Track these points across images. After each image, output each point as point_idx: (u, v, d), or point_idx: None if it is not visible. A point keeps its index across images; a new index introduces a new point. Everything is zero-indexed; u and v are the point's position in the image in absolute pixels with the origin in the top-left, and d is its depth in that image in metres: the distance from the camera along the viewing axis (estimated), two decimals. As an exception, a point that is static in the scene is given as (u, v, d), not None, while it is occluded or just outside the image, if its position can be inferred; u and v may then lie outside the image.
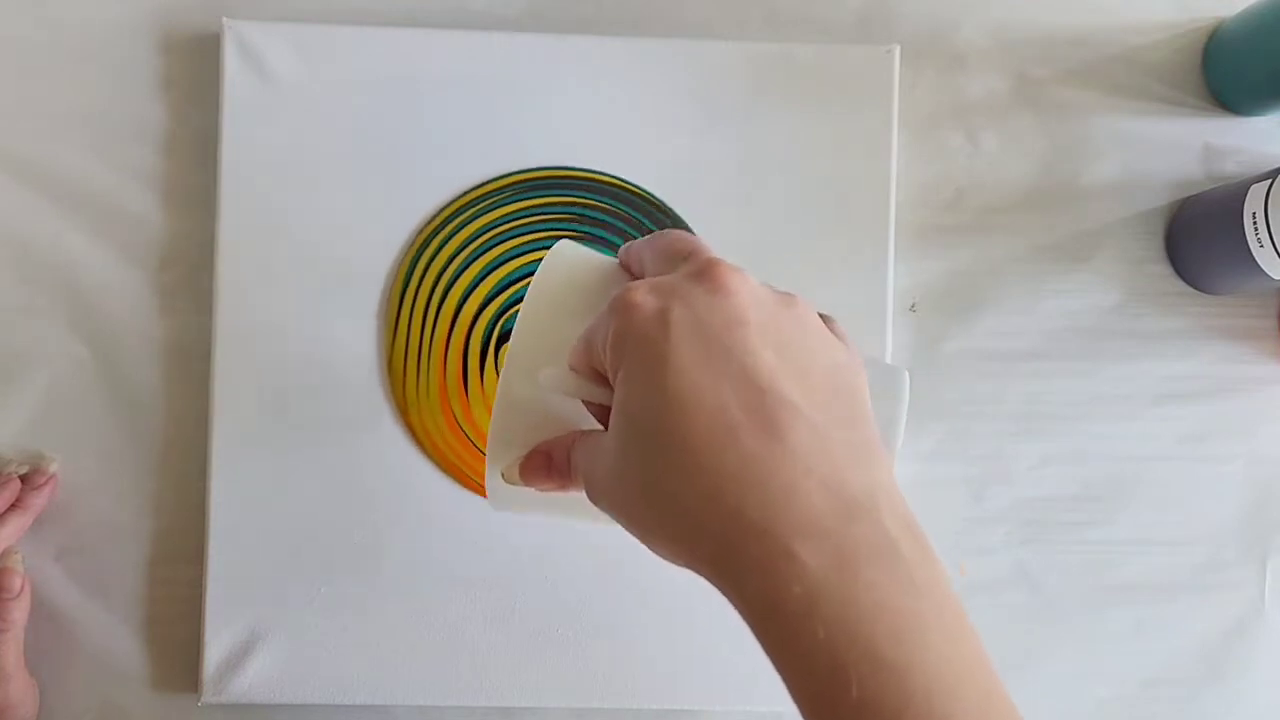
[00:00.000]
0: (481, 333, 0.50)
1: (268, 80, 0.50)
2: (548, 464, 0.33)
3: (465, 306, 0.50)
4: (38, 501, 0.48)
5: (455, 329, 0.50)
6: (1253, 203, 0.46)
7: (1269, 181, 0.46)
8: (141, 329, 0.50)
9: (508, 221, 0.50)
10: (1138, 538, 0.52)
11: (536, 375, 0.32)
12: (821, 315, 0.32)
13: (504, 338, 0.50)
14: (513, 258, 0.50)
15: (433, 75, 0.50)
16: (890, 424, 0.34)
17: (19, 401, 0.50)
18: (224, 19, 0.50)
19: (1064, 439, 0.52)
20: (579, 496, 0.31)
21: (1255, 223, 0.46)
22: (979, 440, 0.52)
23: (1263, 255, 0.46)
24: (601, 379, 0.31)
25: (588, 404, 0.33)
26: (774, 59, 0.51)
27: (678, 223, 0.51)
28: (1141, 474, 0.52)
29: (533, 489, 0.33)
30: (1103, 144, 0.53)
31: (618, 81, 0.51)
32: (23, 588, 0.47)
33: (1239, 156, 0.53)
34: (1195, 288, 0.53)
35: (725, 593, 0.28)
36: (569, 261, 0.35)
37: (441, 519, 0.50)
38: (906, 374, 0.35)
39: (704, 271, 0.29)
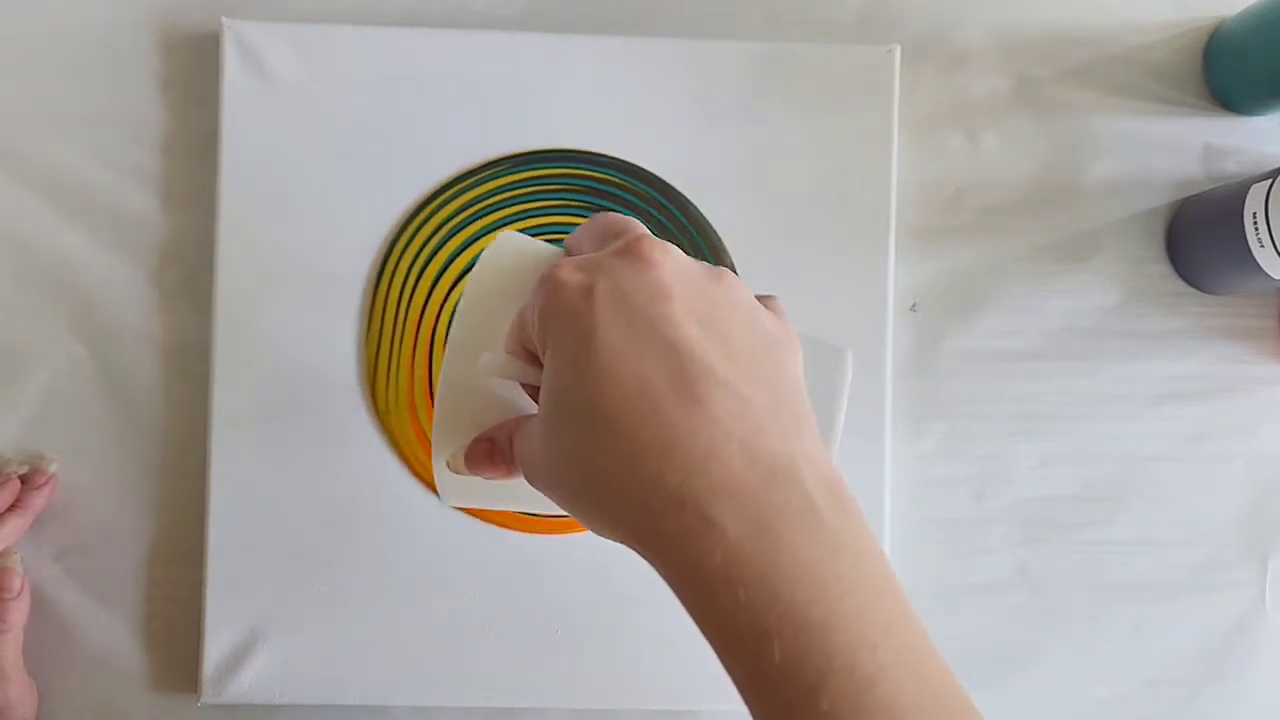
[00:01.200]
0: (446, 324, 0.50)
1: (268, 80, 0.50)
2: (490, 451, 0.33)
3: (434, 295, 0.50)
4: (37, 502, 0.48)
5: (423, 321, 0.50)
6: (1253, 203, 0.46)
7: (1269, 181, 0.46)
8: (141, 329, 0.50)
9: (485, 200, 0.50)
10: (1138, 538, 0.52)
11: (477, 361, 0.32)
12: (761, 296, 0.32)
13: None
14: (482, 237, 0.50)
15: (433, 75, 0.50)
16: (831, 402, 0.33)
17: (19, 401, 0.50)
18: (224, 19, 0.50)
19: (1064, 439, 0.52)
20: (526, 484, 0.31)
21: (1255, 223, 0.46)
22: (979, 440, 0.52)
23: (1263, 255, 0.46)
24: (535, 360, 0.31)
25: (527, 387, 0.33)
26: (774, 59, 0.51)
27: (679, 199, 0.50)
28: (1141, 474, 0.52)
29: (479, 478, 0.33)
30: (1103, 144, 0.53)
31: (618, 81, 0.51)
32: (22, 588, 0.47)
33: (1239, 156, 0.53)
34: (1195, 288, 0.53)
35: (652, 563, 0.28)
36: (514, 249, 0.35)
37: (440, 520, 0.50)
38: (848, 353, 0.35)
39: (630, 248, 0.29)
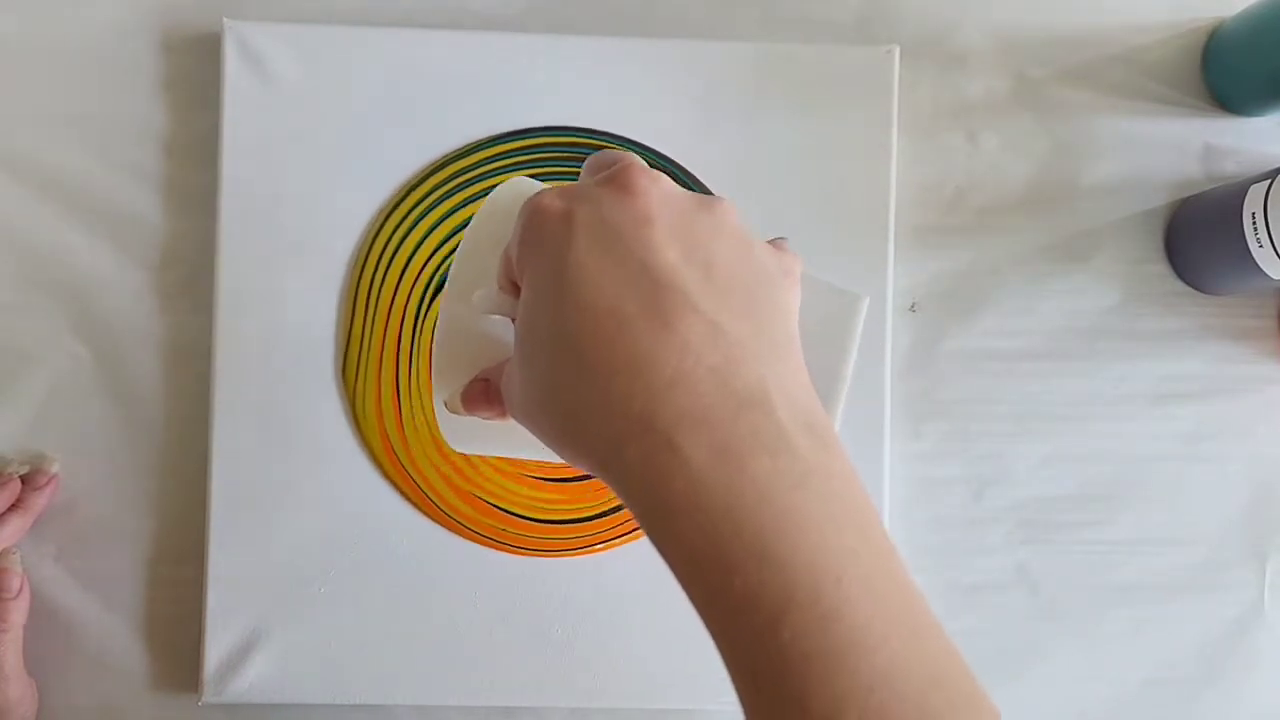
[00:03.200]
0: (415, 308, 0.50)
1: (268, 80, 0.50)
2: (485, 390, 0.32)
3: (407, 273, 0.50)
4: (38, 502, 0.48)
5: (404, 320, 0.50)
6: (1252, 203, 0.46)
7: (1268, 181, 0.46)
8: (141, 329, 0.50)
9: (471, 170, 0.50)
10: (1138, 538, 0.52)
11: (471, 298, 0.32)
12: (775, 240, 0.31)
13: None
14: (464, 206, 0.50)
15: (433, 75, 0.50)
16: (838, 348, 0.33)
17: (19, 401, 0.50)
18: (224, 19, 0.50)
19: (1064, 439, 0.52)
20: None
21: (1255, 223, 0.46)
22: (979, 440, 0.52)
23: (1262, 255, 0.46)
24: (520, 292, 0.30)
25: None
26: (774, 59, 0.51)
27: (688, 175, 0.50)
28: (1141, 474, 0.52)
29: (477, 418, 0.33)
30: (1102, 144, 0.53)
31: (618, 82, 0.51)
32: (21, 588, 0.47)
33: (1239, 156, 0.53)
34: (1195, 288, 0.53)
35: (617, 490, 0.27)
36: (516, 191, 0.34)
37: (440, 520, 0.50)
38: (864, 299, 0.34)
39: (615, 176, 0.29)
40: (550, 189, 0.29)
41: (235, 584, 0.49)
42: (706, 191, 0.50)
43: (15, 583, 0.46)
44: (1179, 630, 0.52)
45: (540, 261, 0.28)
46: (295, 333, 0.50)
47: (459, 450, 0.37)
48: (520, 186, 0.35)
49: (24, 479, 0.49)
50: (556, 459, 0.30)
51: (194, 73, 0.51)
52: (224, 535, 0.49)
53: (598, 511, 0.50)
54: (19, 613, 0.47)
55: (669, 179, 0.29)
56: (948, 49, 0.53)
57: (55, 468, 0.49)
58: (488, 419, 0.33)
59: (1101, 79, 0.53)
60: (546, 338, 0.28)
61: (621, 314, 0.26)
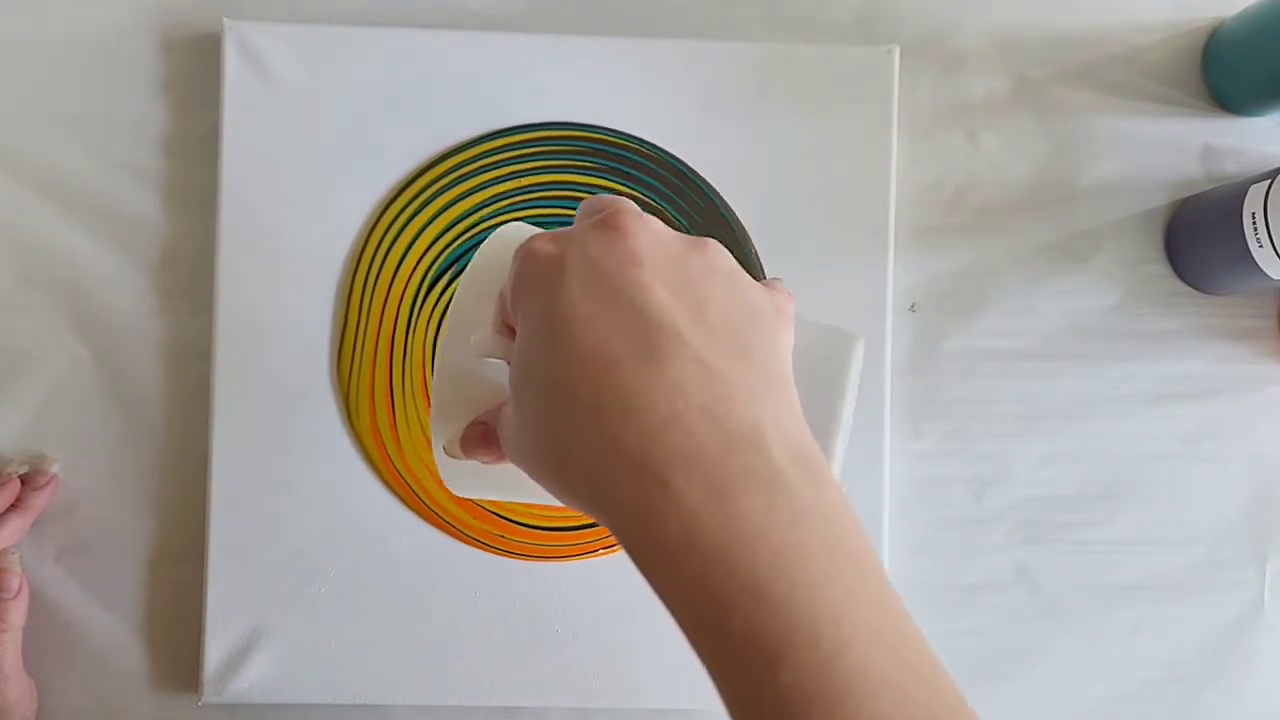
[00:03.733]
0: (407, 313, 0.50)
1: (268, 80, 0.50)
2: (485, 434, 0.32)
3: (401, 270, 0.50)
4: (38, 502, 0.48)
5: (398, 320, 0.50)
6: (1252, 203, 0.46)
7: (1269, 181, 0.46)
8: (141, 329, 0.50)
9: (465, 165, 0.50)
10: (1138, 538, 0.52)
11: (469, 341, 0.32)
12: (769, 280, 0.31)
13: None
14: (458, 202, 0.50)
15: (433, 75, 0.50)
16: (834, 389, 0.32)
17: (19, 401, 0.50)
18: (224, 19, 0.50)
19: (1064, 439, 0.52)
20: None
21: (1255, 223, 0.46)
22: (979, 440, 0.52)
23: (1262, 255, 0.46)
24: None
25: None
26: (774, 59, 0.51)
27: (693, 177, 0.50)
28: (1141, 474, 0.52)
29: (476, 462, 0.33)
30: (1102, 144, 0.53)
31: (618, 82, 0.51)
32: (20, 588, 0.47)
33: (1239, 156, 0.53)
34: (1195, 288, 0.53)
35: (612, 531, 0.27)
36: (511, 236, 0.35)
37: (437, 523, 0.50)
38: (858, 340, 0.33)
39: (606, 219, 0.29)
40: (543, 234, 0.30)
41: (235, 584, 0.49)
42: (707, 193, 0.50)
43: (14, 583, 0.46)
44: (1179, 630, 0.52)
45: (533, 304, 0.28)
46: (295, 333, 0.50)
47: (459, 494, 0.37)
48: (515, 231, 0.35)
49: (24, 479, 0.49)
50: (556, 502, 0.30)
51: (194, 73, 0.51)
52: (224, 535, 0.49)
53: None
54: (18, 613, 0.47)
55: (659, 221, 0.30)
56: (948, 49, 0.53)
57: (55, 468, 0.49)
58: (487, 463, 0.33)
59: (1101, 79, 0.53)
60: (540, 379, 0.28)
61: (613, 353, 0.27)
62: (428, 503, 0.49)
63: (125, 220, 0.50)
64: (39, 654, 0.48)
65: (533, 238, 0.30)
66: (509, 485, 0.34)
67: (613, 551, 0.50)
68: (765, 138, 0.51)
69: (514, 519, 0.49)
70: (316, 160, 0.50)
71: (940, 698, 0.25)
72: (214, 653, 0.48)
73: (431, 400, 0.34)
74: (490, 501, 0.49)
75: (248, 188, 0.50)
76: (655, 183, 0.50)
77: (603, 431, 0.26)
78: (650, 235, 0.29)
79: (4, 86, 0.50)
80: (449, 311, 0.33)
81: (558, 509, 0.49)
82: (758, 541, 0.25)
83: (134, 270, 0.50)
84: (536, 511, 0.49)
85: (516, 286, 0.29)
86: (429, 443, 0.49)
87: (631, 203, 0.30)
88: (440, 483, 0.49)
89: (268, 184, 0.50)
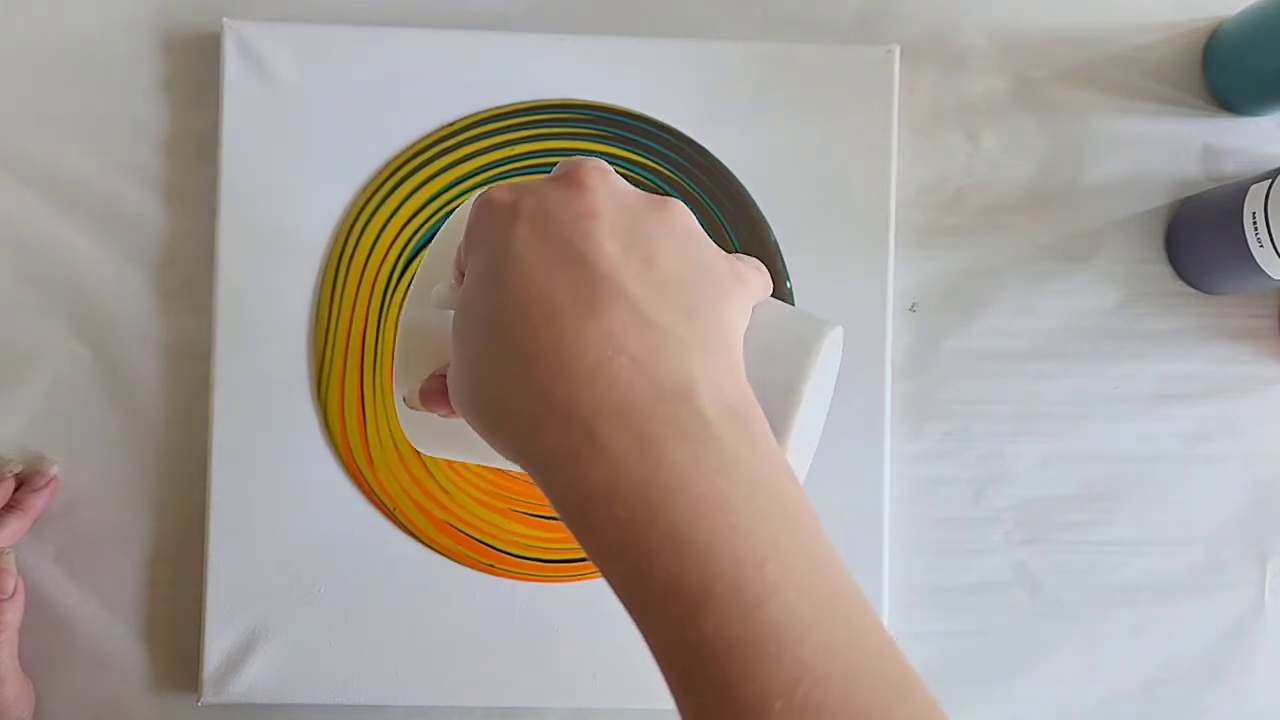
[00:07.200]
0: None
1: (268, 80, 0.50)
2: (442, 386, 0.32)
3: (369, 266, 0.50)
4: (38, 503, 0.48)
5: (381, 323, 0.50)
6: (1253, 203, 0.46)
7: (1269, 181, 0.46)
8: (141, 329, 0.50)
9: (425, 152, 0.50)
10: (1138, 538, 0.52)
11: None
12: (744, 254, 0.31)
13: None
14: (430, 182, 0.50)
15: (433, 75, 0.50)
16: (796, 366, 0.31)
17: (19, 401, 0.50)
18: (224, 19, 0.50)
19: (1064, 439, 0.52)
20: None
21: (1255, 223, 0.46)
22: (979, 440, 0.52)
23: (1263, 255, 0.46)
24: None
25: None
26: (774, 59, 0.51)
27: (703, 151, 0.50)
28: (1141, 474, 0.52)
29: (437, 417, 0.33)
30: (1103, 144, 0.53)
31: (618, 82, 0.51)
32: (16, 589, 0.47)
33: (1239, 156, 0.53)
34: (1195, 288, 0.53)
35: (536, 479, 0.27)
36: None
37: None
38: (833, 326, 0.32)
39: (567, 173, 0.29)
40: (503, 184, 0.30)
41: (235, 584, 0.49)
42: (725, 177, 0.49)
43: (10, 583, 0.46)
44: (1179, 630, 0.52)
45: (482, 250, 0.28)
46: (294, 332, 0.50)
47: (424, 452, 0.37)
48: None
49: (24, 480, 0.49)
50: (515, 467, 0.30)
51: (194, 73, 0.51)
52: (224, 535, 0.49)
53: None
54: (14, 614, 0.46)
55: (620, 179, 0.30)
56: (948, 49, 0.53)
57: (55, 469, 0.49)
58: (444, 416, 0.33)
59: (1101, 79, 0.53)
60: (479, 323, 0.28)
61: (552, 302, 0.26)
62: (408, 526, 0.49)
63: (125, 220, 0.50)
64: (38, 654, 0.48)
65: (491, 186, 0.30)
66: (469, 445, 0.33)
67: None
68: (765, 137, 0.51)
69: (504, 549, 0.49)
70: (316, 159, 0.50)
71: (868, 648, 0.25)
72: (214, 653, 0.48)
73: (395, 353, 0.34)
74: (479, 531, 0.49)
75: (247, 187, 0.50)
76: (672, 154, 0.50)
77: (534, 379, 0.26)
78: (609, 189, 0.29)
79: (4, 86, 0.50)
80: (416, 273, 0.33)
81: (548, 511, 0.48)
82: (679, 490, 0.25)
83: (134, 270, 0.50)
84: (527, 543, 0.49)
85: (469, 232, 0.29)
86: (405, 465, 0.49)
87: (602, 161, 0.30)
88: (417, 506, 0.49)
89: (267, 183, 0.50)
